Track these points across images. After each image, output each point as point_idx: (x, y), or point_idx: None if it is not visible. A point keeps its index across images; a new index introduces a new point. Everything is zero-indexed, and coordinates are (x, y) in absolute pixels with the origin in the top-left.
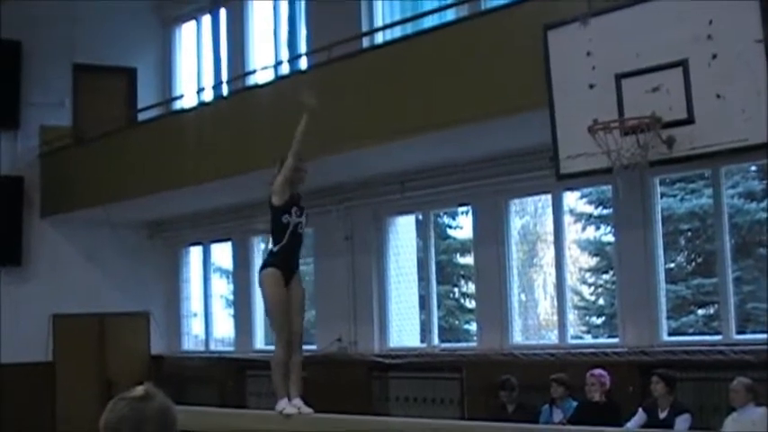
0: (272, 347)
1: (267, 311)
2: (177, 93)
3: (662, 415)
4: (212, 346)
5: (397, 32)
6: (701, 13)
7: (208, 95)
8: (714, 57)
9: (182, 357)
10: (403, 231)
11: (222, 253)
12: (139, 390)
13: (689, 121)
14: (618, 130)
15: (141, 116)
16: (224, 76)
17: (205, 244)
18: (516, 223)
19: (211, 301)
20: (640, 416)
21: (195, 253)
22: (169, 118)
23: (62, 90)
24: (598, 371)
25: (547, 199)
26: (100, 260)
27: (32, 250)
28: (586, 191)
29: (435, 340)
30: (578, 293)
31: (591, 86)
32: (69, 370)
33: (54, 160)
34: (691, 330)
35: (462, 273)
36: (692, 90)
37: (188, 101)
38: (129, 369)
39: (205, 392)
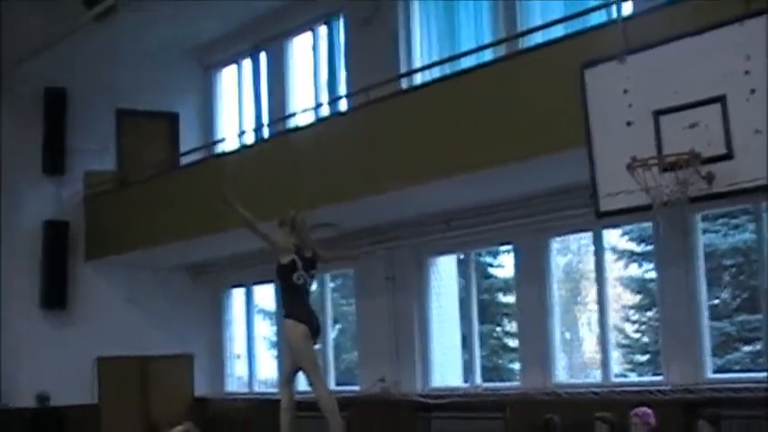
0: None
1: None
2: (219, 136)
3: None
4: (256, 388)
5: (435, 73)
6: (737, 49)
7: (249, 138)
8: (752, 92)
9: (225, 399)
10: (444, 271)
11: (265, 294)
12: (180, 429)
13: (728, 156)
14: (657, 166)
15: (184, 160)
16: (264, 119)
17: (247, 286)
18: (559, 261)
19: (254, 343)
20: None
21: (238, 295)
22: (211, 161)
23: (106, 135)
24: (642, 410)
25: (589, 237)
26: (143, 303)
27: (77, 294)
28: (628, 228)
29: (478, 380)
30: (622, 331)
31: (629, 124)
32: (114, 412)
33: (98, 204)
34: (736, 367)
35: (505, 311)
36: (730, 125)
37: (229, 144)
38: (172, 411)
39: None
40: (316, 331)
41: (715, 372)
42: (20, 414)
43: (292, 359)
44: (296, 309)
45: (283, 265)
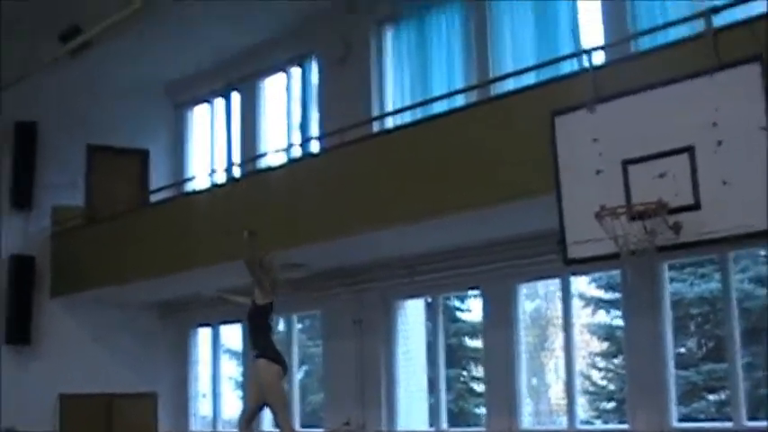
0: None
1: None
2: (189, 174)
3: None
4: (220, 428)
5: (407, 117)
6: (706, 101)
7: (220, 177)
8: (719, 143)
9: None
10: (412, 314)
11: (231, 334)
12: None
13: (695, 206)
14: (625, 215)
15: (153, 197)
16: (236, 159)
17: (214, 325)
18: (527, 307)
19: (220, 382)
20: None
21: (204, 334)
22: (181, 199)
23: (76, 170)
24: None
25: (557, 283)
26: (109, 340)
27: (41, 329)
28: (596, 275)
29: (444, 424)
30: (588, 378)
31: (598, 172)
32: None
33: (65, 240)
34: (702, 416)
35: (472, 356)
36: (698, 176)
37: (200, 182)
38: None
39: None
40: (285, 371)
41: (680, 420)
42: None
43: (259, 398)
44: (269, 349)
45: (262, 305)
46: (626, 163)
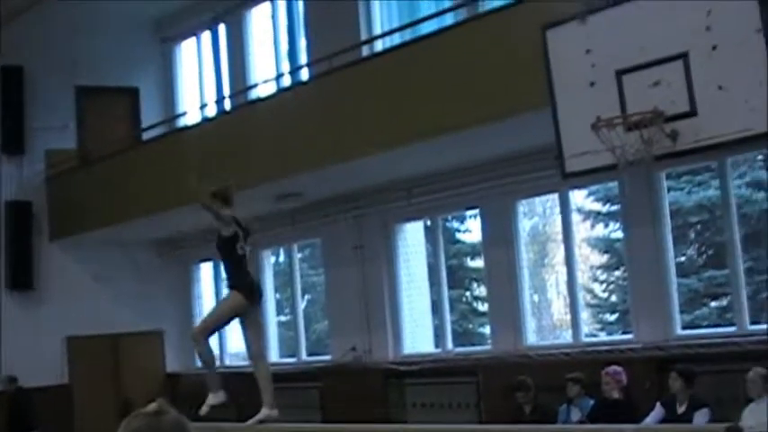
0: (287, 360)
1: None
2: (180, 110)
3: (680, 410)
4: (227, 362)
5: (396, 39)
6: (698, 5)
7: (211, 111)
8: (714, 48)
9: (197, 374)
10: (412, 238)
11: None
12: (153, 406)
13: (692, 113)
14: (621, 126)
15: (146, 135)
16: (226, 91)
17: (215, 260)
18: (525, 224)
19: None
20: (658, 411)
21: (206, 269)
22: (173, 135)
23: (66, 113)
24: (613, 368)
25: (555, 198)
26: (112, 281)
27: (44, 274)
28: (594, 188)
29: (449, 345)
30: (590, 291)
31: (592, 84)
32: (86, 391)
33: (61, 183)
34: (705, 323)
35: (474, 276)
36: (693, 82)
37: (191, 117)
38: (145, 388)
39: (222, 408)
40: (259, 296)
41: (684, 328)
42: None
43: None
44: (238, 278)
45: (227, 237)
46: (620, 73)
